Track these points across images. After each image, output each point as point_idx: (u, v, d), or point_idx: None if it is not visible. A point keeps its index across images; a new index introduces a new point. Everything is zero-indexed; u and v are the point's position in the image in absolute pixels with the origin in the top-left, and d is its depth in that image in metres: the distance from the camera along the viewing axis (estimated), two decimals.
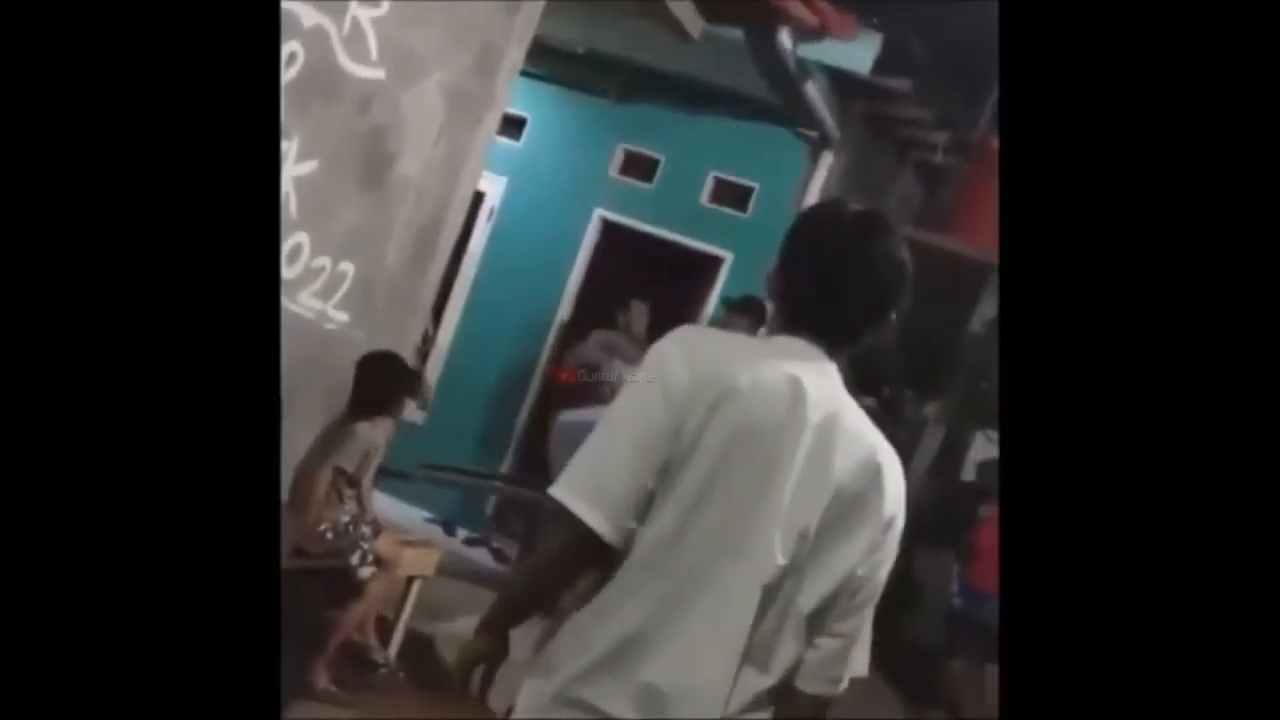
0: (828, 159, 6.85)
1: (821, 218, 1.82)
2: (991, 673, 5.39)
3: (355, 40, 3.73)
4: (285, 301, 3.79)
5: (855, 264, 1.72)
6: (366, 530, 4.10)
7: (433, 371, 6.98)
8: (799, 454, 1.65)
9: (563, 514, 1.66)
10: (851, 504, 1.68)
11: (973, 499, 6.38)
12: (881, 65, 5.98)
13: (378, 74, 3.84)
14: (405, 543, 4.50)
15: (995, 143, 7.34)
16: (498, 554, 6.68)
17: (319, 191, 3.77)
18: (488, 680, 1.82)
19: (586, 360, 6.29)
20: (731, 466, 1.65)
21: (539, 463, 6.05)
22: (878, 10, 5.89)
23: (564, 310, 7.31)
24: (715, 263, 7.05)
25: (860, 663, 1.77)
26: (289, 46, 3.46)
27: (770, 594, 1.66)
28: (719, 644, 1.66)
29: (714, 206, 7.10)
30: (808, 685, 1.72)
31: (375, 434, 4.15)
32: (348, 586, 4.04)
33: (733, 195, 7.07)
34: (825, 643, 1.71)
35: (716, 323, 6.15)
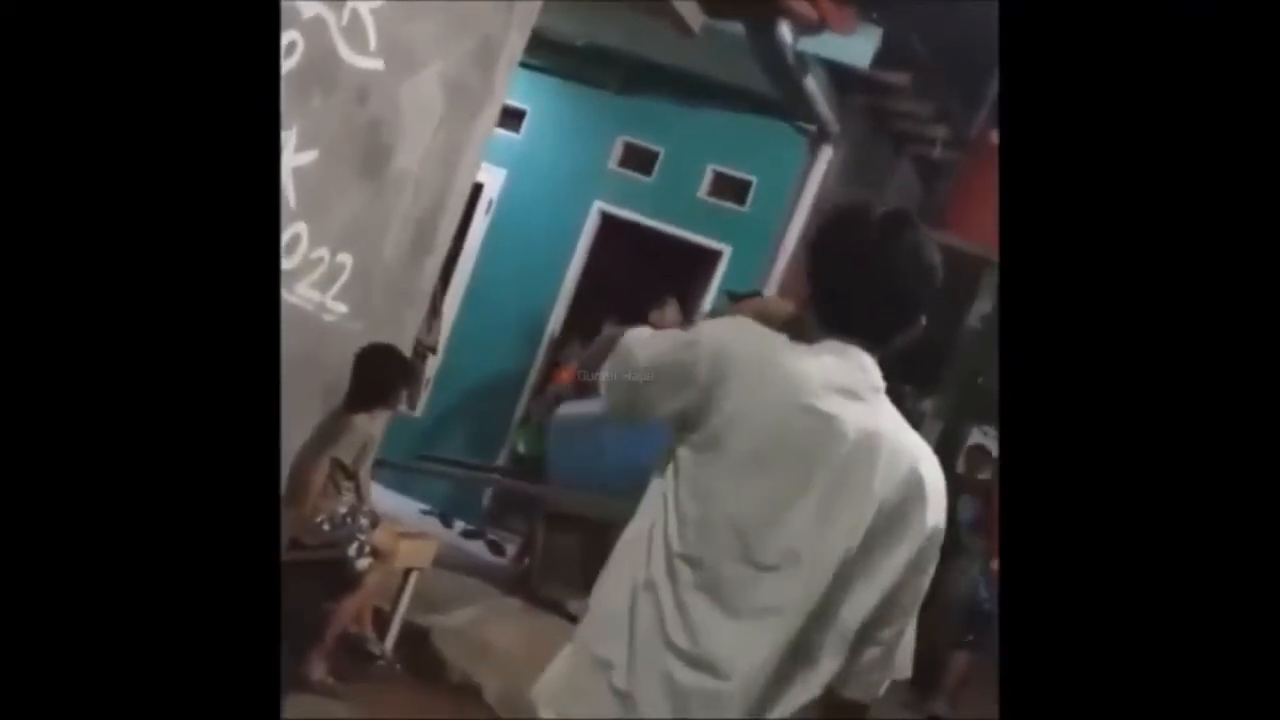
0: (826, 153, 6.85)
1: (849, 219, 1.77)
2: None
3: (354, 31, 3.72)
4: (283, 292, 3.78)
5: (884, 267, 1.68)
6: (364, 522, 4.10)
7: (430, 364, 6.97)
8: (831, 469, 1.64)
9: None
10: (894, 519, 1.65)
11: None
12: (881, 59, 5.98)
13: (376, 65, 3.84)
14: (402, 534, 4.50)
15: (993, 138, 7.35)
16: (495, 546, 6.68)
17: (317, 182, 3.76)
18: None
19: (596, 355, 6.26)
20: (757, 462, 1.64)
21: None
22: (877, 5, 5.90)
23: (562, 303, 7.31)
24: (714, 256, 7.05)
25: (903, 665, 1.74)
26: (288, 36, 3.45)
27: (812, 612, 1.64)
28: (758, 639, 1.65)
29: (713, 200, 7.10)
30: (849, 691, 1.70)
31: (373, 426, 4.15)
32: (344, 578, 4.03)
33: (732, 188, 7.07)
34: (868, 650, 1.68)
35: (716, 315, 6.13)
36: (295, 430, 3.95)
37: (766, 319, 1.77)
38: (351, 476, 4.10)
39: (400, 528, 4.65)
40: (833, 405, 1.65)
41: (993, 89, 7.37)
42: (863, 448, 1.64)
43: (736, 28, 5.49)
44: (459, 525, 6.84)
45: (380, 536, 4.18)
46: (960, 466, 7.00)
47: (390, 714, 4.01)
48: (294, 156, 3.64)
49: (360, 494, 4.19)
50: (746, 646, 1.64)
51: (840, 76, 6.30)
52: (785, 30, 5.53)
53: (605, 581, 1.75)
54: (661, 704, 1.65)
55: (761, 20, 5.42)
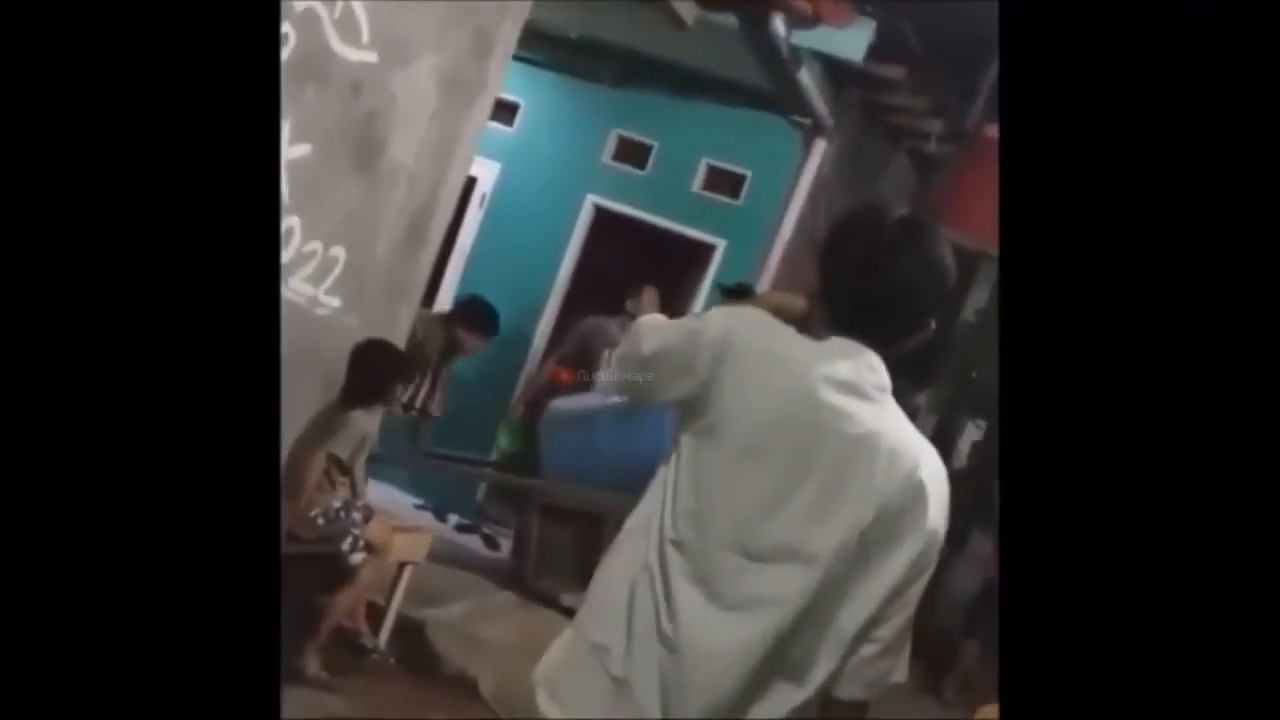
0: (821, 146, 6.84)
1: (863, 224, 1.75)
2: None
3: (347, 23, 3.70)
4: None
5: (898, 273, 1.67)
6: (358, 516, 4.10)
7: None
8: (830, 465, 1.63)
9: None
10: (895, 523, 1.64)
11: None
12: (875, 53, 5.97)
13: (369, 57, 3.82)
14: (396, 528, 4.50)
15: (989, 131, 7.35)
16: (489, 540, 6.68)
17: (311, 175, 3.75)
18: None
19: (577, 348, 6.28)
20: (756, 452, 1.64)
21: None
22: None
23: (556, 297, 7.30)
24: (707, 250, 7.04)
25: (900, 670, 1.73)
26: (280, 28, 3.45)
27: (806, 608, 1.63)
28: (746, 636, 1.64)
29: (707, 193, 7.09)
30: (845, 692, 1.69)
31: (369, 422, 4.15)
32: (339, 572, 4.03)
33: (726, 182, 7.05)
34: (863, 649, 1.68)
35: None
36: (288, 423, 3.94)
37: (780, 312, 1.76)
38: (347, 472, 4.10)
39: (394, 522, 4.65)
40: (836, 400, 1.64)
41: (988, 82, 7.37)
42: (864, 446, 1.63)
43: (730, 21, 5.48)
44: (453, 519, 6.84)
45: (374, 531, 4.17)
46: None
47: (384, 708, 4.01)
48: (287, 150, 3.63)
49: (355, 489, 4.18)
50: (733, 636, 1.64)
51: (835, 70, 6.28)
52: (779, 23, 5.52)
53: (605, 568, 1.75)
54: (655, 691, 1.65)
55: (755, 13, 5.41)
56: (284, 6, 3.43)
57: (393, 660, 4.39)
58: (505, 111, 7.08)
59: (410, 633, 4.53)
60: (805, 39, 5.75)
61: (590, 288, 7.11)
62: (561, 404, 5.63)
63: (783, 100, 6.47)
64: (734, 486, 1.65)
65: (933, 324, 1.72)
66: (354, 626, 4.37)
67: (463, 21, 4.17)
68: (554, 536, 5.44)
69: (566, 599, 5.00)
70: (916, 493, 1.65)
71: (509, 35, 4.44)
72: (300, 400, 4.02)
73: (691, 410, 1.69)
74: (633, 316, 6.32)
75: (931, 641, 5.71)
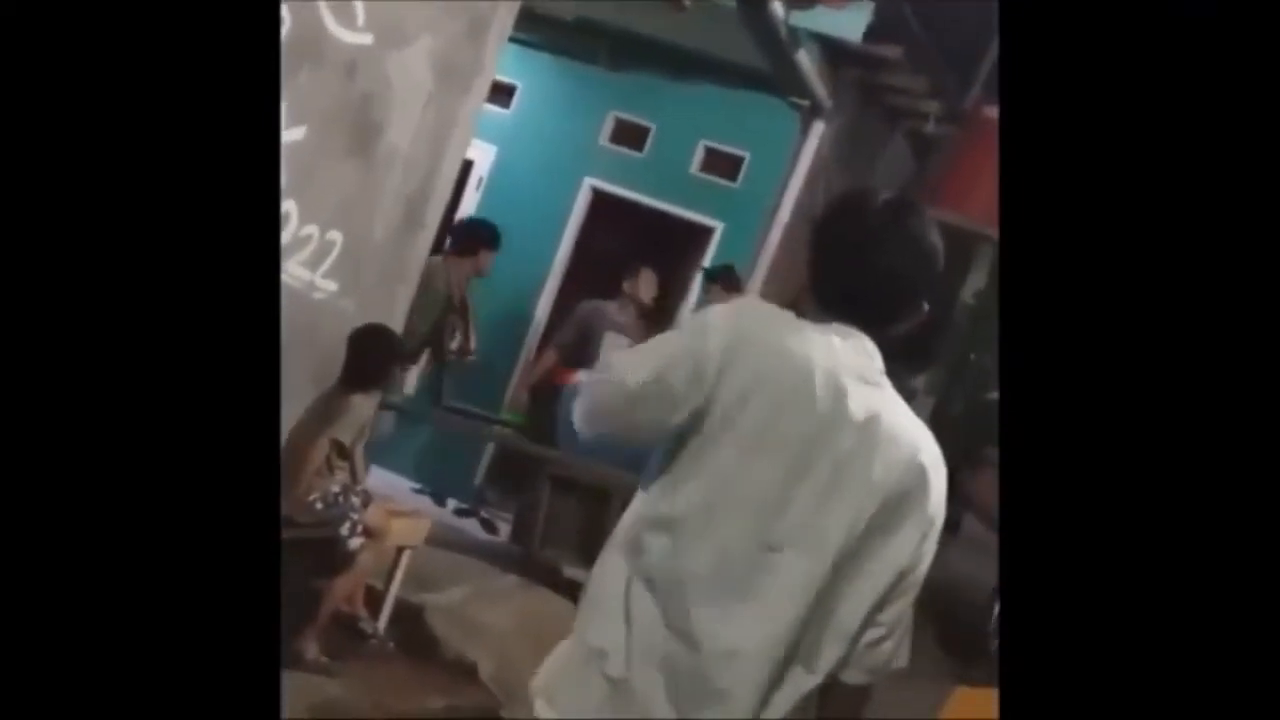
0: (819, 128, 6.81)
1: (850, 207, 1.76)
2: None
3: (341, 5, 3.68)
4: None
5: (886, 255, 1.67)
6: (356, 501, 4.10)
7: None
8: (836, 450, 1.63)
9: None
10: (897, 508, 1.65)
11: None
12: (873, 33, 5.95)
13: (365, 40, 3.80)
14: (395, 513, 4.50)
15: (987, 112, 7.31)
16: (487, 524, 6.68)
17: (307, 159, 3.74)
18: None
19: (576, 334, 6.27)
20: (767, 441, 1.63)
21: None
22: None
23: (553, 280, 7.28)
24: (706, 232, 7.03)
25: (902, 655, 1.74)
26: None
27: (818, 595, 1.64)
28: (765, 626, 1.64)
29: (705, 175, 7.07)
30: (849, 676, 1.71)
31: (368, 406, 4.14)
32: (337, 557, 4.03)
33: (723, 164, 7.03)
34: (867, 634, 1.69)
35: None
36: (285, 407, 3.93)
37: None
38: (347, 456, 4.10)
39: (393, 506, 4.65)
40: (839, 386, 1.64)
41: (986, 64, 7.34)
42: (866, 432, 1.64)
43: (728, 1, 5.45)
44: (451, 504, 6.84)
45: (373, 515, 4.17)
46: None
47: (383, 692, 4.01)
48: (284, 133, 3.62)
49: (354, 474, 4.18)
50: (758, 628, 1.63)
51: (833, 51, 6.26)
52: (777, 4, 5.50)
53: (599, 570, 1.74)
54: (660, 690, 1.64)
55: None
56: None
57: (392, 645, 4.40)
58: (502, 94, 7.05)
59: (409, 617, 4.54)
60: (803, 19, 5.73)
61: (588, 270, 7.09)
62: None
63: (781, 82, 6.44)
64: (746, 478, 1.64)
65: (925, 306, 1.72)
66: (353, 611, 4.37)
67: (458, 4, 4.15)
68: (561, 508, 5.45)
69: (569, 571, 5.02)
70: (918, 477, 1.66)
71: (505, 17, 4.42)
72: (297, 384, 4.01)
73: (695, 415, 1.66)
74: (631, 298, 6.31)
75: (964, 631, 5.72)
